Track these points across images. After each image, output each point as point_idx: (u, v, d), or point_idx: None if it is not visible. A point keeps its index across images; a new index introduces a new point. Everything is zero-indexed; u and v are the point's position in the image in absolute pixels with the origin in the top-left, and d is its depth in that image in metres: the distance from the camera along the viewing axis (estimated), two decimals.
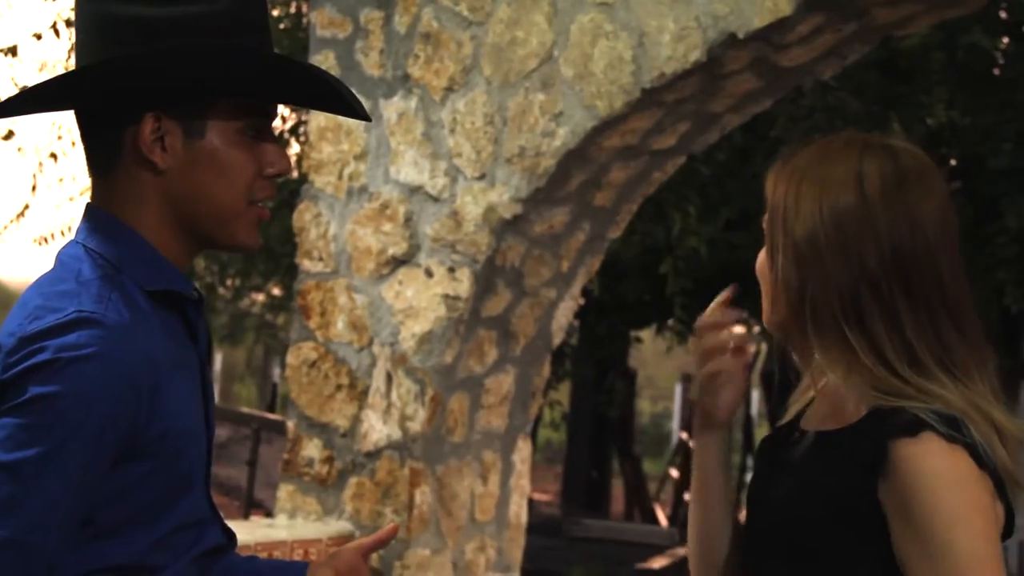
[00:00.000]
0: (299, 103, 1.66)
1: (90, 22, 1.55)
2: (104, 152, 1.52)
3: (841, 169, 1.53)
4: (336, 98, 1.54)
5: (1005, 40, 6.61)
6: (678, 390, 15.58)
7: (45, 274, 1.56)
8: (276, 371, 15.30)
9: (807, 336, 1.50)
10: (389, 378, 3.74)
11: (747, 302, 1.58)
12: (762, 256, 1.57)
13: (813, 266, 1.49)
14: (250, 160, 1.49)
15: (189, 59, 1.48)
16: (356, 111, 1.53)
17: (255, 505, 8.27)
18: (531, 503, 9.60)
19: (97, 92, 1.51)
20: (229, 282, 8.62)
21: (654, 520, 11.78)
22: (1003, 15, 6.80)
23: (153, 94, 1.47)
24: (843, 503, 1.43)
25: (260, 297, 10.56)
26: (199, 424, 1.53)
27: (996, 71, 6.54)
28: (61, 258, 1.56)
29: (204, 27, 1.49)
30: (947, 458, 1.43)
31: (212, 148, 1.48)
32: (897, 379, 1.44)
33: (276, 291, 9.41)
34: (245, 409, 13.93)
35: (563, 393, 11.94)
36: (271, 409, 14.46)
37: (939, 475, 1.41)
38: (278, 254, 7.28)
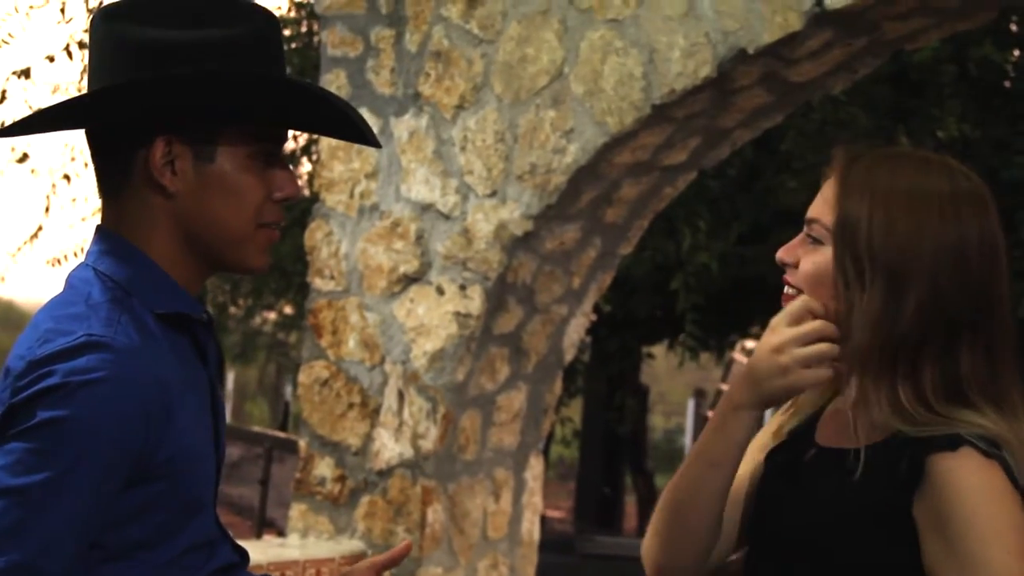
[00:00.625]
0: (309, 130, 1.66)
1: (104, 44, 1.56)
2: (115, 174, 1.53)
3: (935, 193, 1.48)
4: (347, 124, 1.54)
5: (1016, 53, 6.60)
6: (690, 405, 15.55)
7: (55, 297, 1.56)
8: (288, 390, 15.31)
9: (853, 363, 1.46)
10: (401, 396, 3.74)
11: (757, 314, 1.57)
12: (811, 267, 1.51)
13: (904, 296, 1.45)
14: (260, 184, 1.49)
15: (200, 85, 1.48)
16: (366, 137, 1.53)
17: (267, 524, 8.26)
18: (544, 520, 9.57)
19: (109, 115, 1.51)
20: (241, 301, 8.63)
21: None
22: (1013, 28, 6.79)
23: (164, 118, 1.48)
24: (876, 516, 1.42)
25: (272, 316, 10.57)
26: (208, 446, 1.53)
27: (1007, 84, 6.53)
28: (71, 281, 1.56)
29: (219, 52, 1.49)
30: (985, 473, 1.42)
31: (222, 172, 1.48)
32: (930, 413, 1.43)
33: (288, 310, 9.41)
34: (257, 428, 13.93)
35: (575, 410, 11.93)
36: (283, 428, 14.46)
37: (977, 490, 1.40)
38: (290, 273, 7.29)
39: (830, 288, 1.49)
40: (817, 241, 1.53)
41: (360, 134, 1.54)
